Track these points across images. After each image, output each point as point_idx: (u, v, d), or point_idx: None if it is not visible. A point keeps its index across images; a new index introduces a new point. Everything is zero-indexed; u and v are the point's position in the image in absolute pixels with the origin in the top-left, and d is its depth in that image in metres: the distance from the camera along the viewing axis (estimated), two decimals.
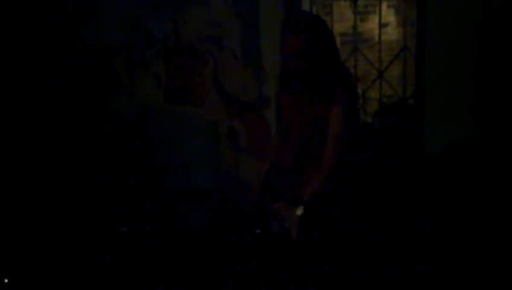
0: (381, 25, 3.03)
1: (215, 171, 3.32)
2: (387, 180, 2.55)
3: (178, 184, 3.33)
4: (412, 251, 2.35)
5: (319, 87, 2.07)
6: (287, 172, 2.22)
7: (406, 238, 2.41)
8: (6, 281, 2.29)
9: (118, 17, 3.32)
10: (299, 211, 2.02)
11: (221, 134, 3.28)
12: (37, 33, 3.26)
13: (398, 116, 2.92)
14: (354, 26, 3.10)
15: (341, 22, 4.21)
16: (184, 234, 2.84)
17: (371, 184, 2.34)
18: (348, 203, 2.15)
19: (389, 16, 5.11)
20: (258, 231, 2.20)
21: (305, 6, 3.01)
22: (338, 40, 3.83)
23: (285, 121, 2.28)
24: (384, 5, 4.71)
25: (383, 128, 3.03)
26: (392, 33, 5.07)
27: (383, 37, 3.03)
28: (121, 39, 3.35)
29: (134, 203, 2.70)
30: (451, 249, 2.29)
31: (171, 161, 3.35)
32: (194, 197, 3.27)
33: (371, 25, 4.77)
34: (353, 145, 2.15)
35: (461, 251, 2.28)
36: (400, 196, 2.52)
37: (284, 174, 2.23)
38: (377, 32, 3.09)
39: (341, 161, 2.08)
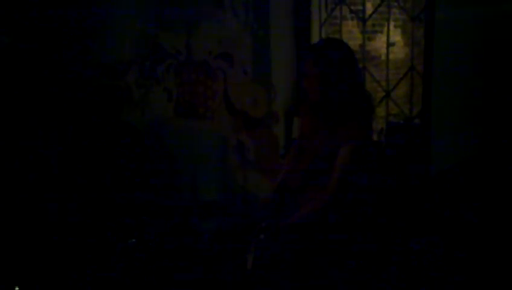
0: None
1: (223, 185, 3.35)
2: (392, 199, 2.57)
3: (186, 197, 3.36)
4: (417, 272, 2.35)
5: (335, 114, 2.09)
6: (293, 192, 2.24)
7: (409, 259, 2.41)
8: (17, 289, 2.31)
9: (131, 32, 3.38)
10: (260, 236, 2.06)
11: (230, 148, 3.32)
12: (53, 49, 3.33)
13: (404, 135, 2.95)
14: (362, 45, 3.15)
15: (349, 40, 4.28)
16: (192, 246, 2.86)
17: (376, 203, 2.36)
18: (352, 225, 2.16)
19: (396, 35, 5.19)
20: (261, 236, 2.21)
21: (315, 25, 3.08)
22: None
23: (300, 140, 2.31)
24: (391, 25, 4.78)
25: (389, 147, 3.06)
26: (399, 52, 5.14)
27: (390, 56, 3.08)
28: (133, 54, 3.41)
29: (143, 216, 2.74)
30: (459, 270, 2.30)
31: (180, 174, 3.39)
32: (202, 211, 3.30)
33: (378, 44, 4.84)
34: (360, 163, 2.17)
35: (469, 271, 2.28)
36: (405, 216, 2.53)
37: (290, 194, 2.25)
38: (383, 51, 3.15)
39: (346, 185, 2.09)
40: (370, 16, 3.13)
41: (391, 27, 4.82)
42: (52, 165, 3.03)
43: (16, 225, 3.12)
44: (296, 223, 2.08)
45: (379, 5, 3.03)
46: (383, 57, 4.67)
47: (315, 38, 3.06)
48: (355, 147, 2.06)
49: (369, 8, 3.46)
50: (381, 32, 4.86)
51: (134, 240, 2.59)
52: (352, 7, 3.26)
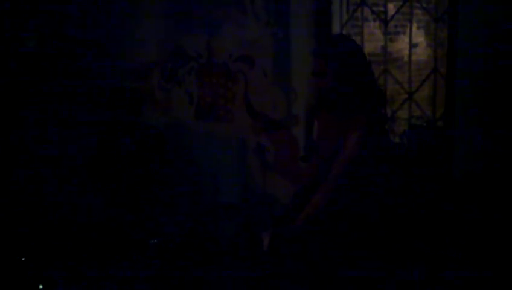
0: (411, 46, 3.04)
1: (243, 187, 3.36)
2: (414, 203, 2.53)
3: (207, 199, 3.38)
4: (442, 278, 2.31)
5: (348, 109, 2.09)
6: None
7: (436, 265, 2.38)
8: (41, 287, 2.36)
9: (153, 35, 3.42)
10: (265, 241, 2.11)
11: (249, 151, 3.32)
12: (76, 52, 3.39)
13: (426, 138, 2.91)
14: (384, 47, 3.12)
15: (370, 42, 4.24)
16: (211, 248, 2.87)
17: (398, 206, 2.33)
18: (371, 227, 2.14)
19: (419, 36, 5.12)
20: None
21: (336, 27, 3.06)
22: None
23: (319, 142, 2.30)
24: (414, 26, 4.71)
25: (411, 149, 3.02)
26: (421, 54, 5.07)
27: (412, 58, 3.04)
28: (155, 57, 3.45)
29: (164, 217, 2.76)
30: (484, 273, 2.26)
31: (200, 176, 3.41)
32: (222, 212, 3.31)
33: (400, 45, 4.79)
34: (381, 165, 2.15)
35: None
36: (428, 220, 2.50)
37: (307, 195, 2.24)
38: (405, 52, 3.11)
39: (365, 182, 2.08)
40: (392, 17, 3.09)
41: (414, 28, 4.75)
42: (78, 167, 3.09)
43: (44, 222, 3.19)
44: (305, 219, 2.07)
45: (401, 6, 2.99)
46: (406, 59, 4.61)
47: None
48: (361, 135, 2.05)
49: (391, 9, 3.42)
50: (404, 33, 4.80)
51: (155, 240, 2.62)
52: (374, 8, 3.23)
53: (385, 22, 3.03)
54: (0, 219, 3.21)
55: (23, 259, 2.48)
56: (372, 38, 4.33)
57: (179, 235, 2.75)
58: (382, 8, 3.23)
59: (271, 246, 2.19)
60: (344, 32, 3.06)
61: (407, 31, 4.46)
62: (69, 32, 3.36)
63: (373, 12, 3.22)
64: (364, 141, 2.06)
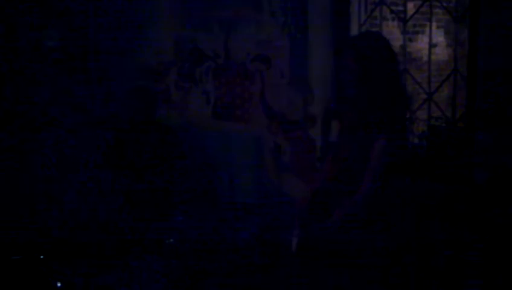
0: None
1: (260, 187, 3.35)
2: (434, 205, 2.49)
3: (223, 199, 3.38)
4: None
5: (370, 109, 2.05)
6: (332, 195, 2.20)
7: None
8: (59, 285, 2.39)
9: (170, 35, 3.44)
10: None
11: (266, 151, 3.32)
12: (95, 52, 3.43)
13: (446, 139, 2.86)
14: (403, 47, 3.08)
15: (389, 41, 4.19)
16: (229, 248, 2.87)
17: (417, 208, 2.30)
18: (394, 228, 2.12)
19: (438, 36, 5.04)
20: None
21: (354, 26, 3.03)
22: None
23: (338, 142, 2.27)
24: (433, 25, 4.65)
25: (431, 151, 2.98)
26: (441, 54, 4.99)
27: (432, 57, 3.00)
28: (172, 56, 3.46)
29: (180, 216, 2.77)
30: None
31: (216, 176, 3.41)
32: (239, 212, 3.31)
33: (420, 45, 4.72)
34: (399, 167, 2.12)
35: None
36: (448, 223, 2.46)
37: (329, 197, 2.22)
38: (425, 52, 3.07)
39: (385, 186, 2.05)
40: (411, 16, 3.05)
41: (433, 27, 4.68)
42: (97, 166, 3.12)
43: (62, 221, 3.23)
44: (336, 222, 2.05)
45: (421, 5, 2.95)
46: (425, 59, 4.55)
47: None
48: (387, 140, 2.00)
49: (410, 8, 3.38)
50: (423, 32, 4.73)
51: (171, 240, 2.63)
52: (393, 7, 3.19)
53: (404, 21, 2.99)
54: (18, 216, 3.25)
55: (41, 257, 2.51)
56: (390, 38, 4.26)
57: (195, 235, 2.76)
58: (401, 7, 3.19)
59: (299, 247, 2.17)
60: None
61: (426, 30, 4.40)
62: (88, 32, 3.39)
63: (392, 11, 3.18)
64: (391, 145, 2.02)
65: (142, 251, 2.61)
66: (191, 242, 2.69)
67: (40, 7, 3.33)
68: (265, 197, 3.31)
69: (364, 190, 2.02)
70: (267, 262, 2.56)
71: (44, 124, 3.41)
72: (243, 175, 3.37)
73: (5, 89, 3.39)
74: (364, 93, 2.04)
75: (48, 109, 3.42)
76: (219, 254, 2.82)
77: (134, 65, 3.48)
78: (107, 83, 3.41)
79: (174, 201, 2.85)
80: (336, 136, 2.29)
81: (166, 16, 3.43)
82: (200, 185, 3.26)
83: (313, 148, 3.17)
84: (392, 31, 4.50)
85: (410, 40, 4.59)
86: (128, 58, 3.49)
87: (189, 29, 3.39)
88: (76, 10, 3.39)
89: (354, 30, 3.03)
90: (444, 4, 3.15)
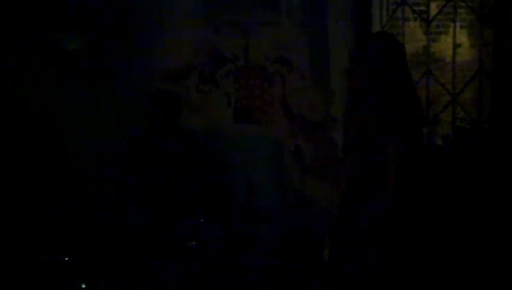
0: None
1: (281, 190, 3.34)
2: (462, 208, 2.44)
3: (244, 201, 3.37)
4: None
5: (382, 110, 2.02)
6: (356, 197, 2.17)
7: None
8: (83, 286, 2.41)
9: (190, 38, 3.44)
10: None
11: (287, 153, 3.30)
12: (114, 54, 3.45)
13: (472, 141, 2.80)
14: (427, 47, 3.04)
15: (412, 42, 4.14)
16: (249, 250, 2.86)
17: (444, 210, 2.25)
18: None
19: (462, 36, 4.96)
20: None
21: (376, 27, 3.00)
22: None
23: (353, 144, 2.24)
24: (457, 25, 4.57)
25: (455, 153, 2.92)
26: (464, 54, 4.90)
27: (455, 58, 2.94)
28: (192, 59, 3.47)
29: (201, 219, 2.77)
30: None
31: (237, 178, 3.41)
32: (259, 215, 3.30)
33: (442, 45, 4.65)
34: (421, 169, 2.08)
35: None
36: (477, 225, 2.40)
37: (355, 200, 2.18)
38: (448, 52, 3.02)
39: (410, 188, 2.01)
40: (435, 16, 3.01)
41: (457, 27, 4.61)
42: (116, 170, 3.14)
43: (86, 223, 3.27)
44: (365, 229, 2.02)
45: (444, 5, 2.91)
46: (448, 59, 4.47)
47: None
48: (403, 141, 1.96)
49: (433, 8, 3.33)
50: (446, 33, 4.66)
51: (193, 243, 2.63)
52: (415, 7, 3.15)
53: (427, 21, 2.95)
54: (42, 218, 3.30)
55: (66, 259, 2.54)
56: (413, 39, 4.22)
57: (217, 238, 2.75)
58: (423, 7, 3.14)
59: (332, 254, 2.14)
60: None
61: (450, 30, 4.33)
62: (106, 35, 3.41)
63: (414, 11, 3.14)
64: (405, 149, 1.98)
65: (164, 253, 2.61)
66: (212, 245, 2.69)
67: (56, 6, 3.36)
68: (286, 199, 3.29)
69: (386, 196, 1.99)
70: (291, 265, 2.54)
71: (70, 128, 3.46)
72: (264, 177, 3.35)
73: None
74: (373, 96, 2.02)
75: (69, 113, 3.46)
76: (241, 257, 2.82)
77: (154, 68, 3.49)
78: (126, 86, 3.42)
79: (195, 204, 2.85)
80: (351, 137, 2.25)
81: (187, 18, 3.44)
82: (221, 187, 3.26)
83: (334, 150, 3.15)
84: (415, 31, 4.44)
85: (433, 40, 4.52)
86: (148, 61, 3.51)
87: (208, 32, 3.39)
88: (93, 10, 3.41)
89: (377, 30, 3.00)
90: (469, 4, 3.09)
